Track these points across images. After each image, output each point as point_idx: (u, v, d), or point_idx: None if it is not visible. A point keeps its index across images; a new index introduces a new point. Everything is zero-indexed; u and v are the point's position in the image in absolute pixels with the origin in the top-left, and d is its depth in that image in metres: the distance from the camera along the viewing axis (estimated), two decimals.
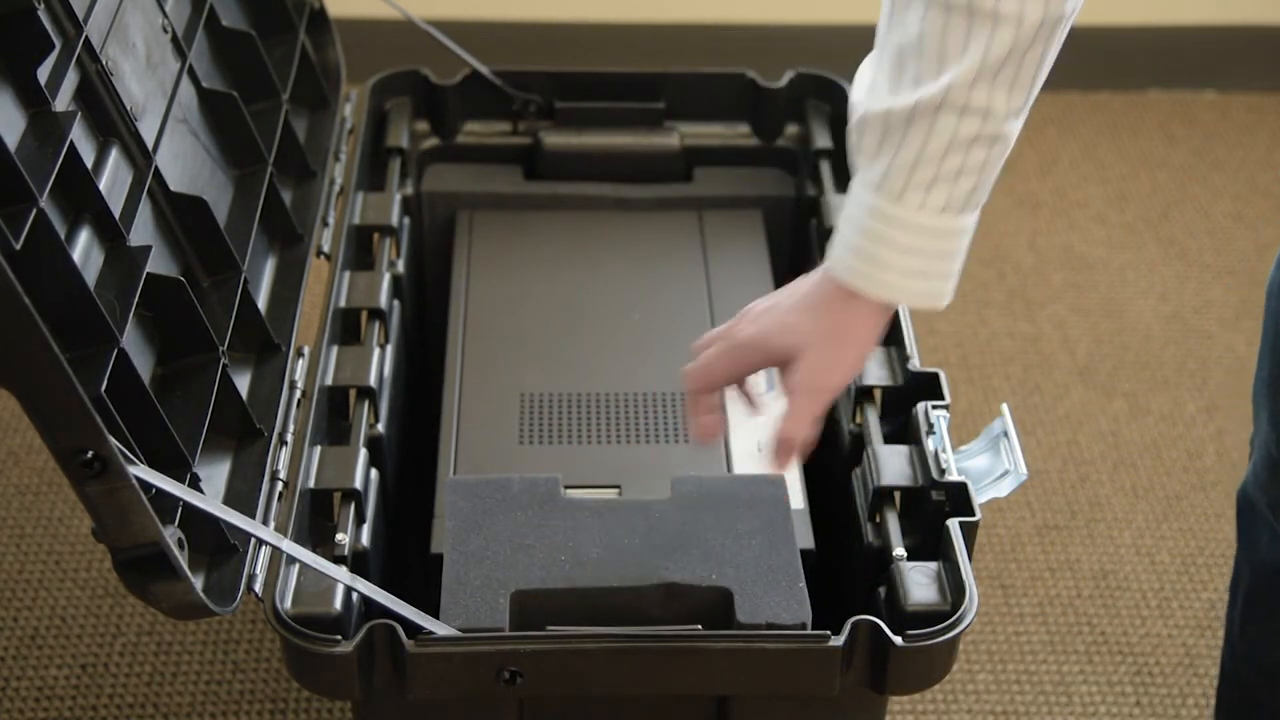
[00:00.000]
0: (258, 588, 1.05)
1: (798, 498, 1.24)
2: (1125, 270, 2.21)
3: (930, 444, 1.18)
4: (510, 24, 2.43)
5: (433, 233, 1.53)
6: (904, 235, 0.97)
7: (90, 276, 1.02)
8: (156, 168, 1.13)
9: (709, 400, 1.10)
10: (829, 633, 1.04)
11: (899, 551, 1.14)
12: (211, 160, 1.25)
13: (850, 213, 1.00)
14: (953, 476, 1.14)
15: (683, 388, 1.09)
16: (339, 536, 1.14)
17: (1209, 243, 2.26)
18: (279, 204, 1.30)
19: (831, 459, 1.32)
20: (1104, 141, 2.45)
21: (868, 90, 0.99)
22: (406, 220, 1.48)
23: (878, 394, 1.27)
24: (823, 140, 1.50)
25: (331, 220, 1.36)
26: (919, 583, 1.10)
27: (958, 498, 1.14)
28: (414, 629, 1.03)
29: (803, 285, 1.04)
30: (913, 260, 0.98)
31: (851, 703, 1.12)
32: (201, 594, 0.97)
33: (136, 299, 1.03)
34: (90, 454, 0.86)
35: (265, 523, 1.09)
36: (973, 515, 1.12)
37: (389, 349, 1.33)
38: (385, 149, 1.50)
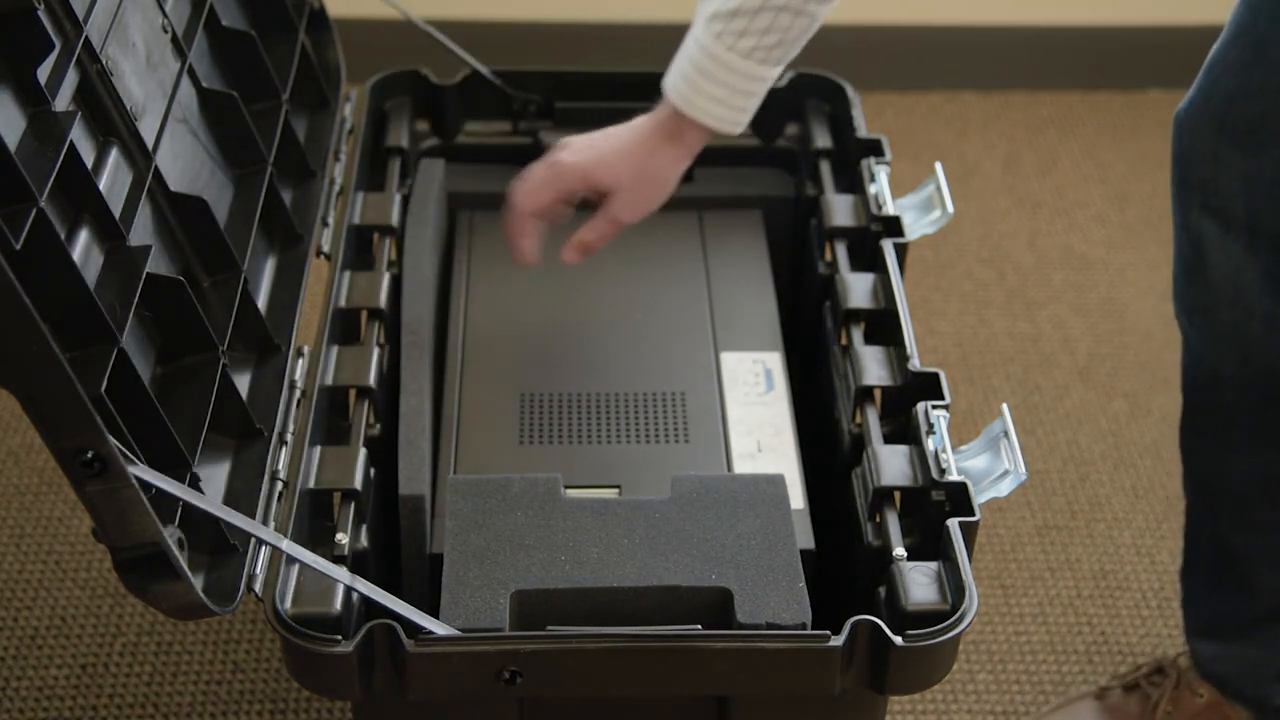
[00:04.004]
0: (258, 588, 1.05)
1: (798, 498, 1.24)
2: (1125, 270, 2.21)
3: (930, 444, 1.18)
4: (510, 24, 2.43)
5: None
6: (712, 65, 1.21)
7: (90, 276, 1.02)
8: (156, 168, 1.13)
9: (533, 223, 1.31)
10: (829, 633, 1.04)
11: (899, 551, 1.14)
12: (211, 160, 1.25)
13: (686, 41, 1.24)
14: (953, 476, 1.14)
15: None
16: (339, 536, 1.14)
17: None
18: (279, 204, 1.30)
19: (831, 459, 1.32)
20: (1104, 141, 2.45)
21: None
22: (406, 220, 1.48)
23: (878, 394, 1.27)
24: (823, 140, 1.50)
25: (331, 220, 1.36)
26: (919, 583, 1.10)
27: (958, 498, 1.14)
28: (414, 629, 1.03)
29: (626, 129, 1.28)
30: (717, 89, 1.22)
31: (851, 703, 1.12)
32: (201, 594, 0.97)
33: (136, 299, 1.03)
34: (90, 454, 0.86)
35: (265, 523, 1.09)
36: (973, 515, 1.12)
37: (389, 349, 1.33)
38: (385, 149, 1.50)
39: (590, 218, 1.31)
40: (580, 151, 1.29)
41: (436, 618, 1.06)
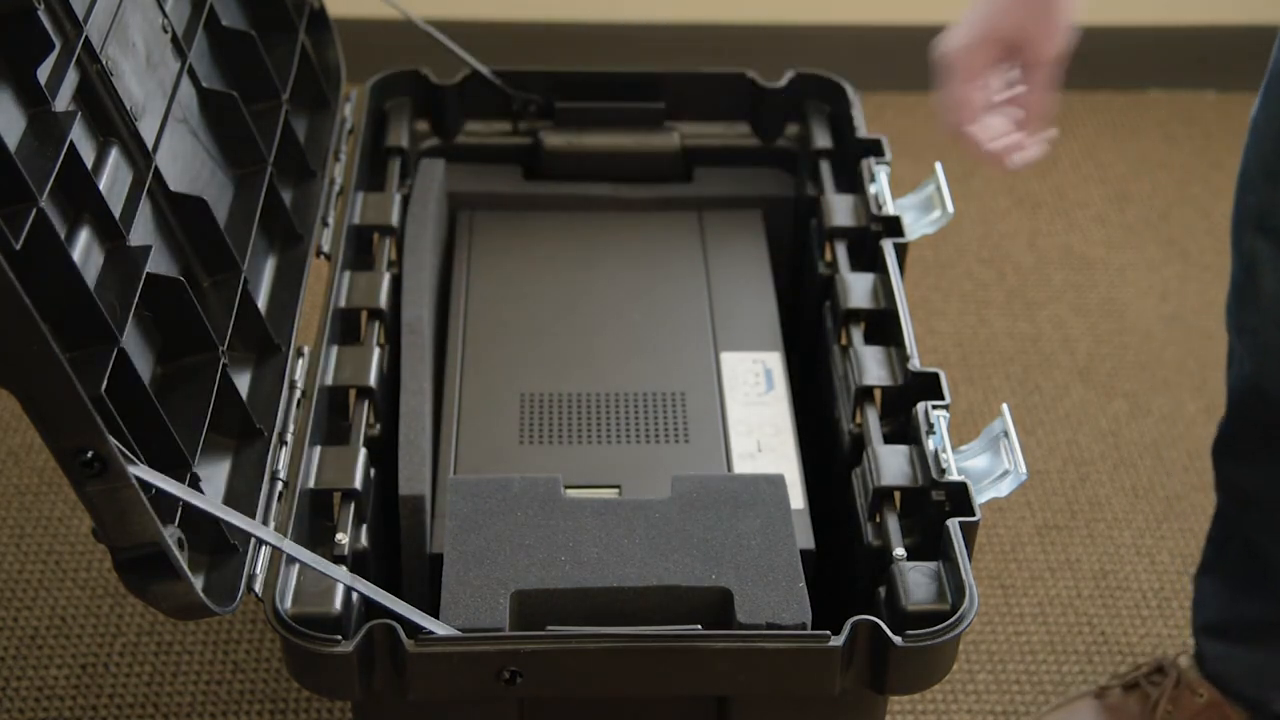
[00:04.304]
0: (258, 588, 1.05)
1: (798, 498, 1.24)
2: (1125, 270, 2.21)
3: (930, 444, 1.18)
4: (510, 24, 2.43)
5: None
6: None
7: (90, 276, 1.02)
8: (156, 168, 1.13)
9: (984, 131, 1.20)
10: (829, 633, 1.04)
11: (899, 551, 1.14)
12: (211, 160, 1.25)
13: None
14: (953, 476, 1.14)
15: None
16: (339, 536, 1.14)
17: (1209, 243, 2.25)
18: (279, 204, 1.30)
19: (831, 459, 1.32)
20: (1104, 141, 2.45)
21: None
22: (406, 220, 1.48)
23: (878, 394, 1.27)
24: (823, 140, 1.50)
25: (331, 220, 1.36)
26: (919, 583, 1.10)
27: (958, 498, 1.14)
28: (414, 629, 1.03)
29: None
30: None
31: (851, 703, 1.12)
32: (201, 594, 0.97)
33: (136, 299, 1.03)
34: (90, 454, 0.86)
35: (265, 523, 1.09)
36: (973, 515, 1.12)
37: (389, 349, 1.34)
38: (385, 149, 1.50)
39: (1020, 92, 1.21)
40: (959, 34, 1.19)
41: (436, 618, 1.06)
